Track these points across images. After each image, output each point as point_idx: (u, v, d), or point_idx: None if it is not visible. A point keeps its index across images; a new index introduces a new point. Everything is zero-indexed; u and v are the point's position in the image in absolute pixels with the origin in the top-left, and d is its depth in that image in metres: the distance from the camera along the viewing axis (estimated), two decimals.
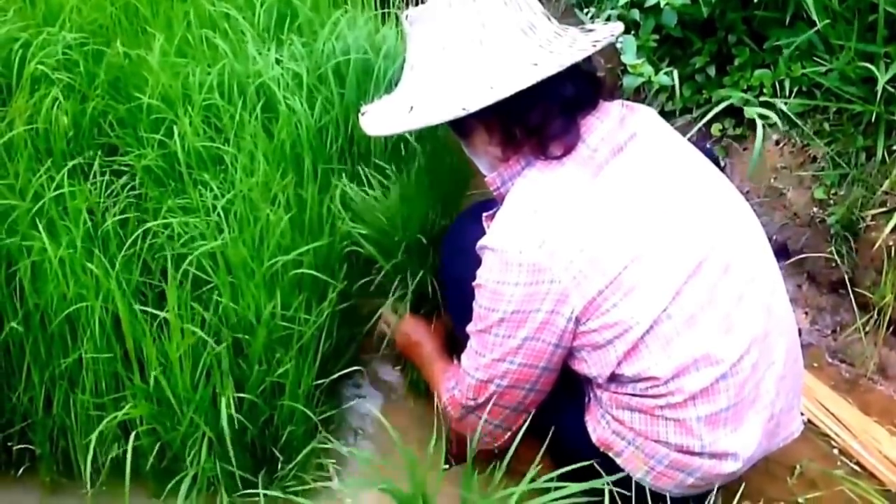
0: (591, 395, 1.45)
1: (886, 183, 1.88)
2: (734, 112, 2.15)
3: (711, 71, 2.20)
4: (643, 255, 1.32)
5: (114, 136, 1.87)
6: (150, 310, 1.57)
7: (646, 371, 1.33)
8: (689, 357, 1.32)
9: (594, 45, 1.38)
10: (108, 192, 1.77)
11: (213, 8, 2.05)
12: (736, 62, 2.16)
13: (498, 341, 1.38)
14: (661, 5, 2.12)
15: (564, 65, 1.33)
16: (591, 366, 1.37)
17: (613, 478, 1.30)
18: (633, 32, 2.19)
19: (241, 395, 1.53)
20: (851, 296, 1.96)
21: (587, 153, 1.37)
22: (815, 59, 2.01)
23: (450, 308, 1.67)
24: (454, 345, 1.77)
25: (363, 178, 1.77)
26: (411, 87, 1.46)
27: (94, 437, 1.49)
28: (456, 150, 1.90)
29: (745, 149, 2.16)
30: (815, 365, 1.94)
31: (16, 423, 1.62)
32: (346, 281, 1.73)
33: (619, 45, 2.15)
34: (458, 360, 1.53)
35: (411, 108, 1.43)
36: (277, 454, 1.60)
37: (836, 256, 1.96)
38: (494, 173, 1.44)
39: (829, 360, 1.96)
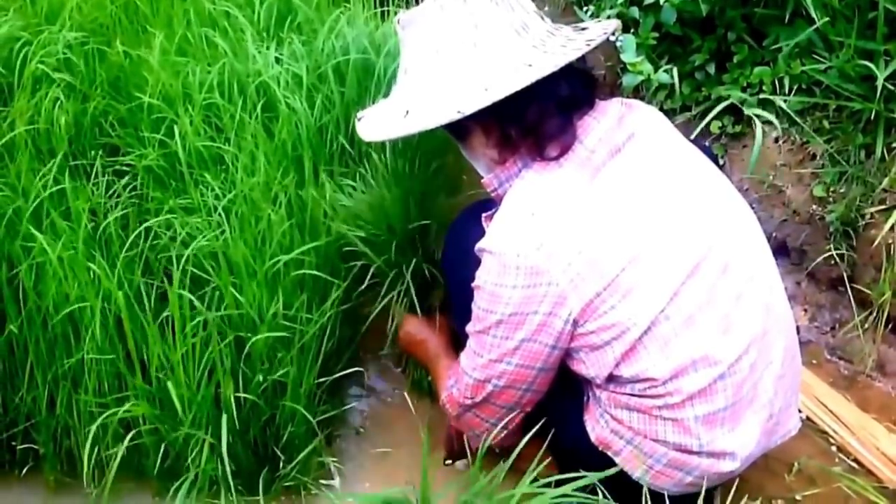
0: (590, 394, 1.45)
1: (886, 180, 1.88)
2: (733, 109, 2.15)
3: (711, 68, 2.19)
4: (641, 257, 1.33)
5: (115, 135, 1.87)
6: (150, 310, 1.57)
7: (644, 372, 1.33)
8: (688, 358, 1.33)
9: (588, 44, 1.38)
10: (110, 192, 1.77)
11: (213, 6, 2.05)
12: (735, 60, 2.15)
13: (495, 342, 1.38)
14: (661, 3, 2.11)
15: (559, 64, 1.33)
16: (590, 367, 1.38)
17: (610, 472, 1.30)
18: (632, 30, 2.19)
19: (243, 394, 1.54)
20: (850, 293, 1.96)
21: (585, 154, 1.37)
22: (814, 56, 2.00)
23: (453, 308, 1.68)
24: (458, 340, 1.79)
25: (356, 177, 1.77)
26: (406, 91, 1.46)
27: (93, 429, 1.50)
28: (440, 150, 1.92)
29: (744, 146, 2.16)
30: (814, 362, 1.94)
31: (19, 422, 1.62)
32: (347, 280, 1.73)
33: (618, 44, 2.14)
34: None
35: (407, 112, 1.43)
36: (279, 453, 1.60)
37: (835, 254, 1.96)
38: (491, 175, 1.44)
39: (828, 357, 1.97)
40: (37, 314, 1.56)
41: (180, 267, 1.59)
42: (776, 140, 2.08)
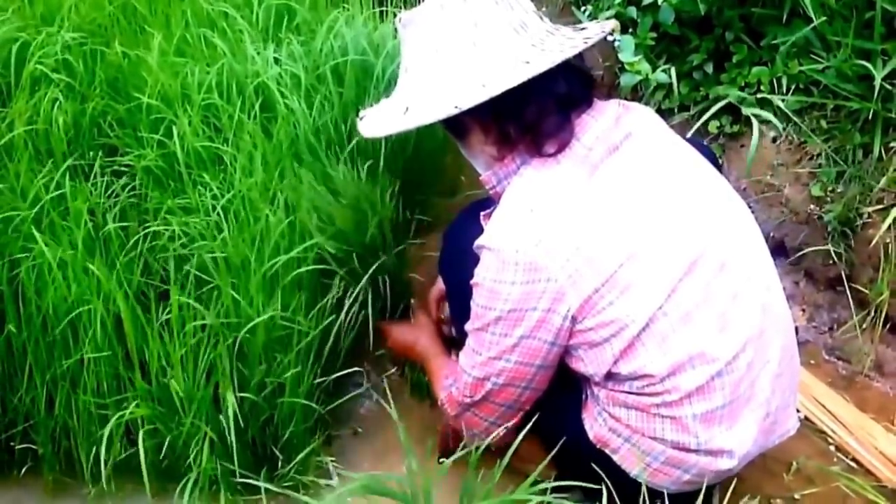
0: (589, 392, 1.46)
1: (883, 180, 1.88)
2: (731, 109, 2.16)
3: (709, 68, 2.20)
4: (639, 253, 1.33)
5: (113, 136, 1.87)
6: (152, 311, 1.57)
7: (642, 369, 1.34)
8: (685, 354, 1.33)
9: (585, 42, 1.39)
10: (109, 192, 1.77)
11: (211, 7, 2.05)
12: (733, 59, 2.16)
13: (494, 339, 1.38)
14: (659, 3, 2.12)
15: (556, 61, 1.34)
16: (588, 364, 1.38)
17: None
18: (630, 30, 2.19)
19: (242, 394, 1.54)
20: (848, 293, 1.96)
21: (583, 152, 1.38)
22: (812, 56, 2.01)
23: (451, 307, 1.68)
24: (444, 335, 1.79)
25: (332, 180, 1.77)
26: (406, 89, 1.47)
27: (104, 436, 1.49)
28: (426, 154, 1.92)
29: (742, 146, 2.16)
30: (812, 362, 1.94)
31: (18, 423, 1.62)
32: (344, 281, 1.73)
33: (616, 44, 2.15)
34: (455, 354, 1.54)
35: (406, 109, 1.43)
36: (277, 453, 1.61)
37: (833, 253, 1.97)
38: (490, 172, 1.45)
39: (826, 357, 1.97)
40: (36, 314, 1.56)
41: (180, 267, 1.60)
42: (774, 140, 2.09)
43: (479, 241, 1.38)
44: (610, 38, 2.12)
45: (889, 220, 1.81)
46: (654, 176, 1.40)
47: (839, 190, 1.97)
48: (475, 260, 1.39)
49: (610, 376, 1.38)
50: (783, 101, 2.02)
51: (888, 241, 1.85)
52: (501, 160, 1.43)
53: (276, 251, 1.61)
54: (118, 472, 1.54)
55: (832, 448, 1.77)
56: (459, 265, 1.47)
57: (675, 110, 2.24)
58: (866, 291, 1.91)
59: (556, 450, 1.48)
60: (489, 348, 1.39)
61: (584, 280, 1.31)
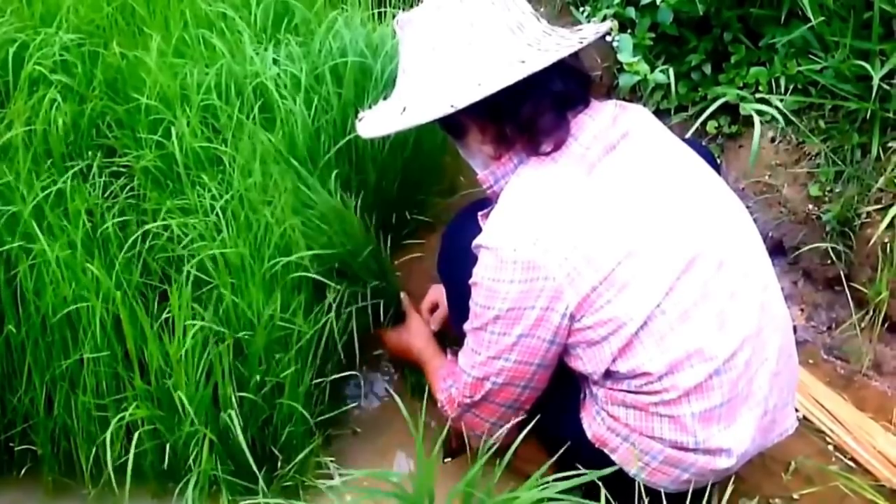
0: (587, 391, 1.46)
1: (882, 179, 1.88)
2: (730, 110, 2.16)
3: (707, 69, 2.20)
4: (636, 252, 1.33)
5: (112, 137, 1.87)
6: (151, 311, 1.57)
7: (640, 367, 1.34)
8: (683, 352, 1.34)
9: (581, 42, 1.40)
10: (107, 193, 1.77)
11: (210, 8, 2.05)
12: (732, 60, 2.16)
13: (493, 339, 1.39)
14: (657, 3, 2.12)
15: (551, 60, 1.35)
16: (587, 362, 1.39)
17: (607, 471, 1.30)
18: (628, 31, 2.19)
19: (242, 394, 1.54)
20: (847, 292, 1.96)
21: (580, 151, 1.38)
22: (810, 56, 2.01)
23: (450, 307, 1.69)
24: (441, 336, 1.80)
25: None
26: (404, 89, 1.47)
27: (105, 438, 1.49)
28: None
29: (740, 146, 2.17)
30: (811, 361, 1.95)
31: (17, 423, 1.62)
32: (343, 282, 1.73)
33: (614, 44, 2.15)
34: (452, 354, 1.54)
35: (404, 109, 1.44)
36: (277, 453, 1.61)
37: (831, 253, 1.97)
38: (487, 171, 1.45)
39: (825, 357, 1.97)
40: (36, 315, 1.56)
41: (180, 268, 1.60)
42: (773, 140, 2.09)
43: (477, 241, 1.39)
44: (608, 38, 2.13)
45: (887, 220, 1.81)
46: (651, 175, 1.41)
47: (837, 190, 1.98)
48: (473, 260, 1.40)
49: (608, 375, 1.38)
50: (781, 101, 2.03)
51: (886, 240, 1.85)
52: (499, 159, 1.44)
53: (275, 252, 1.61)
54: (117, 472, 1.53)
55: (831, 447, 1.77)
56: (458, 265, 1.48)
57: (674, 111, 2.24)
58: (865, 291, 1.92)
59: (554, 449, 1.49)
60: (488, 347, 1.40)
61: (581, 278, 1.32)
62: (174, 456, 1.55)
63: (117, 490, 1.52)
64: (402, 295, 1.84)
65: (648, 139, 1.45)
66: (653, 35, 2.19)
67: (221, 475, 1.54)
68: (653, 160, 1.43)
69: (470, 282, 1.40)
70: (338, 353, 1.68)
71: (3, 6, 2.07)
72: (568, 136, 1.38)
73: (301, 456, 1.60)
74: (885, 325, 1.90)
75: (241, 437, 1.48)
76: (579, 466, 1.39)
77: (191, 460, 1.52)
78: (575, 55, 1.41)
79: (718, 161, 2.16)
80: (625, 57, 2.13)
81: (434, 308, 1.86)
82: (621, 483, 1.38)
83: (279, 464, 1.61)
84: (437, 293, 1.86)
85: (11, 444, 1.64)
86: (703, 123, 2.17)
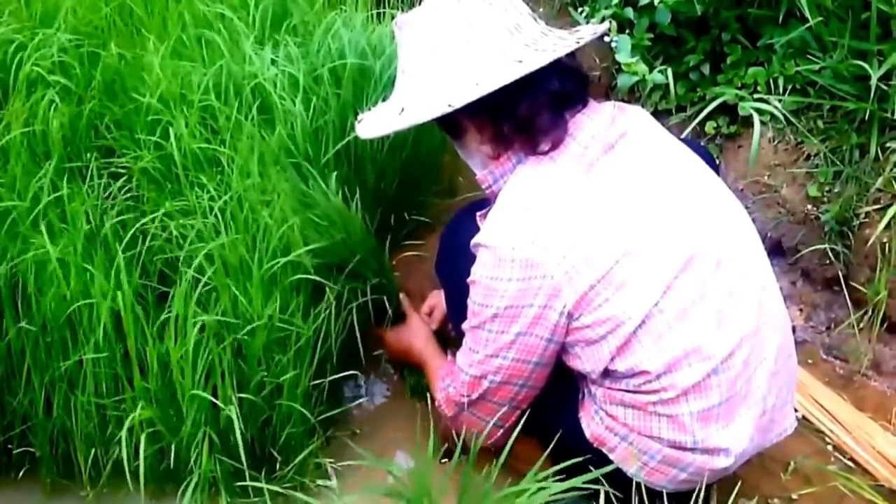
0: (585, 391, 1.46)
1: (880, 180, 1.89)
2: (728, 110, 2.16)
3: (705, 69, 2.20)
4: (634, 251, 1.34)
5: (110, 138, 1.87)
6: (151, 312, 1.57)
7: (638, 365, 1.34)
8: (681, 350, 1.34)
9: (578, 42, 1.41)
10: (106, 194, 1.77)
11: (207, 8, 2.05)
12: (730, 60, 2.16)
13: (491, 337, 1.39)
14: (655, 4, 2.12)
15: (549, 60, 1.35)
16: (585, 361, 1.39)
17: (604, 470, 1.31)
18: (627, 31, 2.20)
19: (241, 394, 1.54)
20: (846, 292, 1.96)
21: (578, 150, 1.38)
22: (808, 56, 2.01)
23: (448, 307, 1.69)
24: (441, 336, 1.79)
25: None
26: (403, 90, 1.48)
27: (108, 439, 1.49)
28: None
29: (739, 146, 2.17)
30: (810, 361, 1.95)
31: (16, 425, 1.62)
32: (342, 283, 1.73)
33: (613, 45, 2.15)
34: (452, 355, 1.54)
35: (402, 109, 1.44)
36: (276, 454, 1.61)
37: (830, 253, 1.97)
38: (486, 171, 1.46)
39: (824, 357, 1.97)
40: (37, 316, 1.56)
41: (179, 269, 1.59)
42: (771, 140, 2.09)
43: (475, 240, 1.39)
44: (607, 38, 2.13)
45: (886, 220, 1.82)
46: (649, 174, 1.41)
47: (836, 190, 1.98)
48: (472, 260, 1.40)
49: (607, 374, 1.38)
50: (780, 101, 2.03)
51: (885, 240, 1.85)
52: (497, 159, 1.44)
53: (274, 253, 1.61)
54: (116, 474, 1.53)
55: (830, 447, 1.77)
56: (456, 265, 1.48)
57: (672, 111, 2.25)
58: (863, 291, 1.92)
59: (552, 449, 1.48)
60: (486, 346, 1.40)
61: (579, 276, 1.32)
62: (174, 457, 1.55)
63: (116, 491, 1.52)
64: (402, 296, 1.84)
65: (647, 139, 1.46)
66: (651, 35, 2.20)
67: (220, 476, 1.54)
68: (651, 160, 1.43)
69: (468, 280, 1.40)
70: (337, 354, 1.68)
71: (1, 7, 2.07)
72: (566, 136, 1.39)
73: (300, 457, 1.60)
74: (884, 326, 1.91)
75: (240, 438, 1.47)
76: (578, 467, 1.40)
77: (192, 461, 1.52)
78: (572, 55, 1.42)
79: (717, 161, 2.16)
80: (623, 57, 2.13)
81: (432, 312, 1.86)
82: (620, 483, 1.38)
83: (278, 465, 1.61)
84: (436, 298, 1.86)
85: (10, 446, 1.64)
86: (702, 124, 2.18)
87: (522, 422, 1.43)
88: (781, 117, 2.02)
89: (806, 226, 2.03)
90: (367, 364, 1.84)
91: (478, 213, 1.48)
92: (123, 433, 1.48)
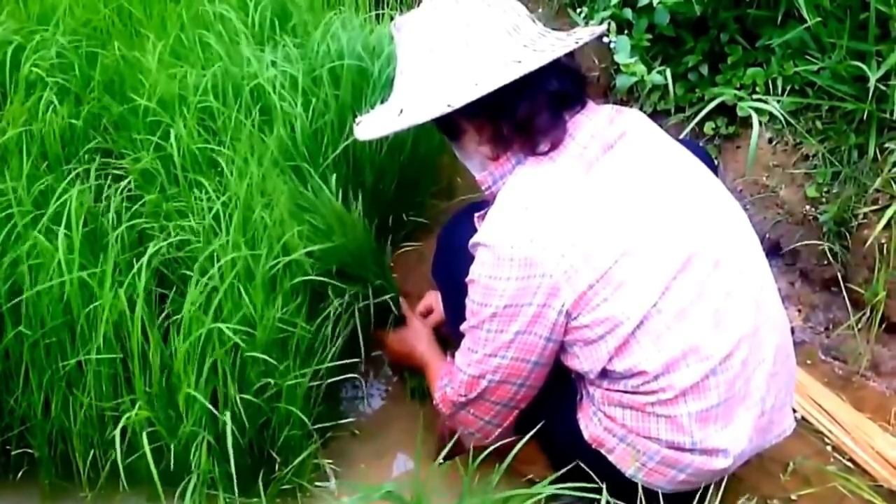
0: (584, 392, 1.46)
1: (878, 180, 1.89)
2: (727, 111, 2.16)
3: (704, 69, 2.21)
4: (633, 251, 1.34)
5: (109, 139, 1.87)
6: (153, 313, 1.57)
7: (636, 366, 1.34)
8: (679, 350, 1.34)
9: (577, 43, 1.41)
10: (105, 195, 1.77)
11: (205, 9, 2.05)
12: (728, 61, 2.17)
13: (490, 336, 1.39)
14: (654, 4, 2.12)
15: (547, 60, 1.36)
16: (583, 361, 1.39)
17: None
18: (626, 32, 2.20)
19: (241, 395, 1.54)
20: (844, 293, 1.96)
21: (577, 150, 1.39)
22: (807, 57, 2.02)
23: (445, 308, 1.69)
24: (442, 338, 1.79)
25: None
26: (401, 91, 1.48)
27: (107, 439, 1.48)
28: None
29: (738, 147, 2.17)
30: (809, 362, 1.95)
31: (14, 426, 1.61)
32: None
33: (612, 45, 2.16)
34: (451, 356, 1.54)
35: (401, 110, 1.44)
36: (275, 456, 1.60)
37: (828, 254, 1.97)
38: (486, 172, 1.46)
39: (823, 358, 1.97)
40: (35, 317, 1.55)
41: (178, 271, 1.59)
42: (770, 141, 2.09)
43: (474, 239, 1.39)
44: (606, 39, 2.13)
45: (884, 221, 1.82)
46: (648, 174, 1.41)
47: (834, 190, 1.98)
48: (469, 261, 1.40)
49: (605, 375, 1.38)
50: (778, 102, 2.03)
51: (883, 241, 1.85)
52: (496, 160, 1.44)
53: (274, 254, 1.61)
54: (115, 475, 1.53)
55: (829, 448, 1.77)
56: (453, 266, 1.48)
57: (671, 112, 2.25)
58: (862, 292, 1.92)
59: (550, 450, 1.49)
60: (485, 345, 1.40)
61: (579, 276, 1.32)
62: (173, 458, 1.54)
63: (114, 493, 1.51)
64: (401, 299, 1.84)
65: (645, 140, 1.46)
66: (650, 36, 2.20)
67: (219, 478, 1.54)
68: (650, 160, 1.43)
69: (467, 280, 1.40)
70: (337, 356, 1.68)
71: None
72: (565, 136, 1.39)
73: (299, 459, 1.60)
74: (883, 326, 1.91)
75: (230, 444, 1.47)
76: (577, 468, 1.40)
77: (193, 462, 1.51)
78: (571, 56, 1.42)
79: (715, 162, 2.16)
80: (622, 58, 2.13)
81: (428, 313, 1.86)
82: (618, 484, 1.38)
83: (277, 466, 1.61)
84: (432, 298, 1.86)
85: (8, 448, 1.63)
86: (701, 124, 2.18)
87: (521, 424, 1.43)
88: (780, 118, 2.02)
89: (804, 226, 2.03)
90: (366, 366, 1.85)
91: (476, 215, 1.48)
92: (117, 432, 1.47)
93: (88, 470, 1.57)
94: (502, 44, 1.39)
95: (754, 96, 2.07)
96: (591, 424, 1.43)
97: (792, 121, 2.03)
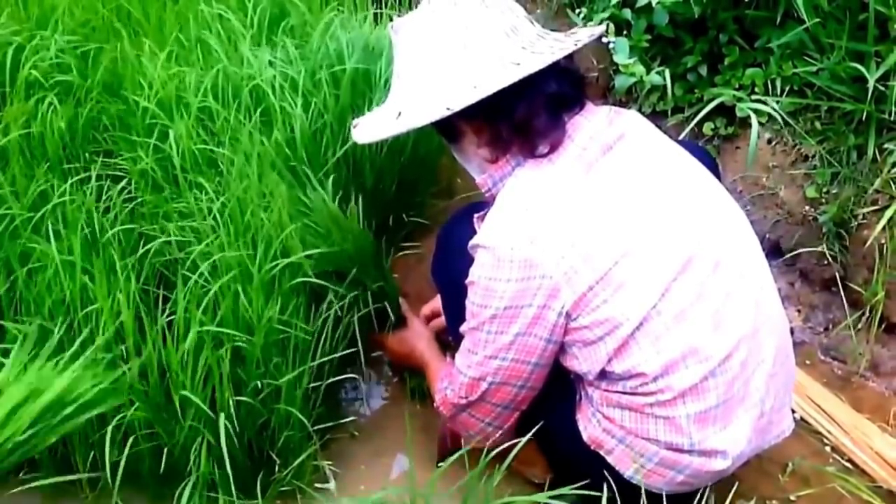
0: (583, 393, 1.46)
1: (878, 181, 1.89)
2: (726, 111, 2.17)
3: (703, 70, 2.21)
4: (633, 252, 1.34)
5: (109, 140, 1.87)
6: (152, 315, 1.57)
7: (635, 367, 1.34)
8: (678, 352, 1.34)
9: (576, 45, 1.41)
10: (105, 196, 1.77)
11: (203, 9, 2.05)
12: (727, 61, 2.17)
13: (490, 338, 1.39)
14: (653, 5, 2.12)
15: (546, 62, 1.35)
16: (582, 362, 1.39)
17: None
18: (624, 32, 2.20)
19: (239, 397, 1.54)
20: (843, 293, 1.97)
21: (577, 151, 1.38)
22: (805, 58, 2.02)
23: (445, 310, 1.69)
24: (444, 343, 1.79)
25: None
26: (399, 93, 1.47)
27: (103, 440, 1.48)
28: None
29: (737, 147, 2.17)
30: (808, 362, 1.95)
31: None
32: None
33: (610, 46, 2.16)
34: (451, 357, 1.54)
35: (399, 113, 1.44)
36: (275, 457, 1.60)
37: (828, 254, 1.98)
38: (486, 175, 1.46)
39: (822, 358, 1.97)
40: (35, 318, 1.55)
41: (177, 272, 1.59)
42: (769, 141, 2.09)
43: (473, 241, 1.39)
44: (605, 40, 2.13)
45: (883, 221, 1.82)
46: (648, 175, 1.41)
47: (834, 191, 1.98)
48: (468, 262, 1.40)
49: (604, 376, 1.38)
50: (777, 102, 2.03)
51: (882, 241, 1.85)
52: (495, 162, 1.44)
53: (274, 255, 1.61)
54: (115, 477, 1.53)
55: (828, 449, 1.77)
56: (452, 267, 1.48)
57: (670, 112, 2.25)
58: (861, 292, 1.92)
59: (549, 451, 1.49)
60: (485, 347, 1.40)
61: (578, 277, 1.32)
62: (172, 460, 1.55)
63: (115, 494, 1.51)
64: (401, 299, 1.84)
65: (645, 141, 1.46)
66: (649, 37, 2.20)
67: (218, 480, 1.54)
68: (649, 161, 1.43)
69: (466, 281, 1.40)
70: (336, 357, 1.68)
71: None
72: (564, 137, 1.39)
73: (298, 460, 1.60)
74: (882, 327, 1.91)
75: (225, 448, 1.47)
76: (575, 469, 1.40)
77: (191, 464, 1.51)
78: (569, 58, 1.42)
79: (716, 162, 2.16)
80: (621, 59, 2.13)
81: (429, 319, 1.86)
82: (617, 485, 1.38)
83: (277, 467, 1.61)
84: (433, 305, 1.86)
85: None
86: (700, 125, 2.18)
87: (521, 426, 1.43)
88: (779, 118, 2.03)
89: (804, 227, 2.03)
90: (366, 367, 1.84)
91: (475, 216, 1.48)
92: (108, 433, 1.47)
93: (89, 471, 1.57)
94: (501, 46, 1.39)
95: (753, 97, 2.07)
96: (590, 426, 1.43)
97: (791, 121, 2.03)
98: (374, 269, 1.74)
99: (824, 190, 2.00)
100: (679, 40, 2.24)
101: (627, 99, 2.35)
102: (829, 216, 1.95)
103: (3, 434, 1.28)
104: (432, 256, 1.67)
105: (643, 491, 1.38)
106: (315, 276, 1.64)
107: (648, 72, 2.14)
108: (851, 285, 1.95)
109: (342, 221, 1.69)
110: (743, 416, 1.39)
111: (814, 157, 2.02)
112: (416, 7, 1.49)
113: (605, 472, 1.40)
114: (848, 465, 1.74)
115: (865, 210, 1.91)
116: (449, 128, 1.46)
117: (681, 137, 2.06)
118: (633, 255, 1.33)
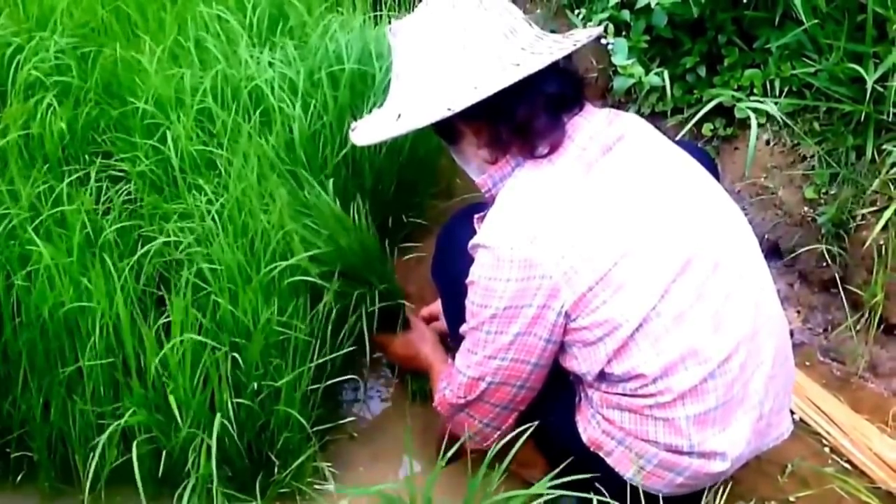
0: (582, 395, 1.46)
1: (877, 182, 1.89)
2: (725, 112, 2.17)
3: (702, 71, 2.21)
4: (632, 253, 1.34)
5: (108, 141, 1.87)
6: (151, 316, 1.57)
7: (635, 369, 1.34)
8: (677, 353, 1.34)
9: (574, 45, 1.41)
10: (104, 198, 1.77)
11: (202, 10, 2.05)
12: (726, 62, 2.17)
13: (490, 338, 1.39)
14: (652, 6, 2.12)
15: (546, 63, 1.36)
16: (582, 362, 1.39)
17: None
18: (623, 33, 2.20)
19: (238, 399, 1.54)
20: (843, 294, 1.96)
21: (576, 152, 1.39)
22: (804, 58, 2.02)
23: (444, 310, 1.69)
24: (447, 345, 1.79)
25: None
26: (398, 95, 1.48)
27: (100, 443, 1.48)
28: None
29: (736, 148, 2.17)
30: (807, 363, 1.95)
31: (14, 429, 1.61)
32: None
33: (609, 47, 2.16)
34: (453, 358, 1.54)
35: (399, 115, 1.44)
36: (274, 459, 1.60)
37: (827, 255, 1.98)
38: (485, 175, 1.46)
39: (821, 359, 1.97)
40: (35, 320, 1.55)
41: (177, 273, 1.59)
42: (767, 142, 2.09)
43: (473, 241, 1.39)
44: (603, 41, 2.13)
45: (882, 222, 1.82)
46: (647, 176, 1.41)
47: (832, 192, 1.98)
48: (468, 262, 1.40)
49: (603, 377, 1.38)
50: (776, 103, 2.03)
51: (882, 242, 1.85)
52: (495, 163, 1.44)
53: (272, 257, 1.61)
54: (114, 478, 1.53)
55: (827, 450, 1.77)
56: (452, 268, 1.48)
57: (669, 113, 2.25)
58: (860, 293, 1.92)
59: (549, 452, 1.49)
60: (485, 346, 1.40)
61: (578, 277, 1.32)
62: (171, 462, 1.54)
63: (113, 496, 1.51)
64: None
65: (644, 142, 1.46)
66: (647, 38, 2.20)
67: (217, 481, 1.54)
68: (649, 162, 1.43)
69: (466, 281, 1.40)
70: (335, 358, 1.68)
71: None
72: (564, 138, 1.39)
73: (298, 462, 1.60)
74: (881, 328, 1.91)
75: (237, 443, 1.47)
76: (574, 470, 1.40)
77: (189, 465, 1.51)
78: (568, 58, 1.42)
79: (715, 163, 2.16)
80: (619, 60, 2.13)
81: (427, 322, 1.86)
82: (617, 486, 1.39)
83: (276, 468, 1.61)
84: (432, 309, 1.86)
85: (8, 451, 1.63)
86: (699, 125, 2.18)
87: (519, 425, 1.43)
88: (778, 119, 2.03)
89: (803, 228, 2.03)
90: (366, 368, 1.85)
91: (475, 216, 1.48)
92: (104, 437, 1.47)
93: (88, 473, 1.57)
94: (500, 47, 1.39)
95: (752, 98, 2.07)
96: (590, 427, 1.43)
97: (790, 122, 2.03)
98: (379, 270, 1.74)
99: (823, 191, 2.00)
100: (678, 41, 2.24)
101: (626, 100, 2.35)
102: (828, 217, 1.95)
103: None
104: (432, 257, 1.67)
105: (642, 493, 1.38)
106: (319, 276, 1.64)
107: (647, 73, 2.14)
108: (850, 286, 1.95)
109: (346, 221, 1.69)
110: (742, 417, 1.39)
111: (812, 157, 2.02)
112: (414, 9, 1.49)
113: (604, 473, 1.40)
114: (847, 466, 1.74)
115: (864, 211, 1.91)
116: (448, 129, 1.46)
117: (680, 138, 2.06)
118: (632, 256, 1.34)
